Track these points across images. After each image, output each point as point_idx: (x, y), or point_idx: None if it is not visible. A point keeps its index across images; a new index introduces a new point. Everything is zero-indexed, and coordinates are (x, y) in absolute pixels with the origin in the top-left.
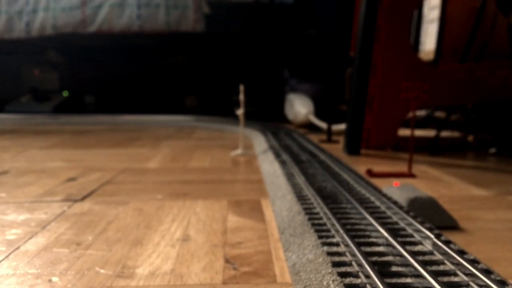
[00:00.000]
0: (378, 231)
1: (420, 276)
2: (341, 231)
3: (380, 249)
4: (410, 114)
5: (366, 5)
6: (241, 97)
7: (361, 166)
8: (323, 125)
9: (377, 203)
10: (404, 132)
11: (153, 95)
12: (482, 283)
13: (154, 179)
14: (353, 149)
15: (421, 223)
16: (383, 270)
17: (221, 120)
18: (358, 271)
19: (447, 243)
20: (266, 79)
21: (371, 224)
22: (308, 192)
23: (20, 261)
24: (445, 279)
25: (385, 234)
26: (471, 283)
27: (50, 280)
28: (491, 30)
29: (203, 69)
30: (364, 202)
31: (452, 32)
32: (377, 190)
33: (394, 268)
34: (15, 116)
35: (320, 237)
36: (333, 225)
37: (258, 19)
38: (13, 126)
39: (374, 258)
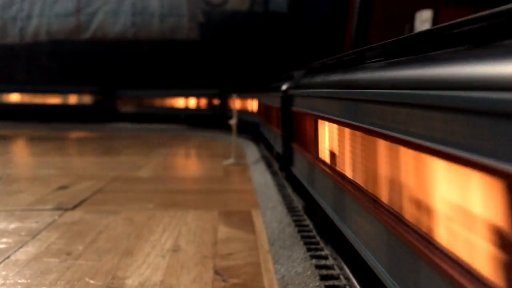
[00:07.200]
0: None
1: None
2: (330, 244)
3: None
4: None
5: (358, 18)
6: (234, 106)
7: None
8: None
9: None
10: None
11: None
12: None
13: (145, 188)
14: None
15: None
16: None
17: (214, 129)
18: (345, 285)
19: None
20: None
21: None
22: (299, 203)
23: (10, 271)
24: None
25: None
26: None
27: None
28: None
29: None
30: None
31: None
32: None
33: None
34: (7, 121)
35: (309, 249)
36: (322, 237)
37: (252, 27)
38: (5, 131)
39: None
